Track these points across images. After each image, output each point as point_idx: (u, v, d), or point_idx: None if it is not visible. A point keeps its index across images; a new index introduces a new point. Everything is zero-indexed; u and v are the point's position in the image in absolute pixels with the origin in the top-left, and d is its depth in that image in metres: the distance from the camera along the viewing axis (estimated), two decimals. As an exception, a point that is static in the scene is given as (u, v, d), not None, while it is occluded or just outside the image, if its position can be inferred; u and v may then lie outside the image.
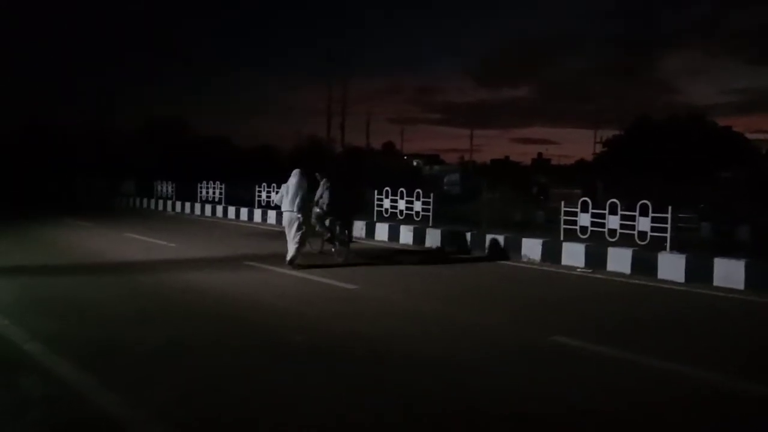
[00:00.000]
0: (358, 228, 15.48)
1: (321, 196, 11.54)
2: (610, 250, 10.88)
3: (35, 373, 4.93)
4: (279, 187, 11.66)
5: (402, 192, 15.22)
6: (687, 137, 37.75)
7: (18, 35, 74.98)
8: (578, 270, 10.91)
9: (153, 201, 26.26)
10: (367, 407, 4.42)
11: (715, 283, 9.48)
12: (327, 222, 11.57)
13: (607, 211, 11.31)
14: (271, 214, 19.35)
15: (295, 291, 8.76)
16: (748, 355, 6.14)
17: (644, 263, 10.32)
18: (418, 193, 14.91)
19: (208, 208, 22.98)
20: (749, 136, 45.08)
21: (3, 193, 28.42)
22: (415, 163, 66.97)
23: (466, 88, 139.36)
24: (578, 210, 11.80)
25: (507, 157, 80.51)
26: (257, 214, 20.44)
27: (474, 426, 4.18)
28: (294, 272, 10.10)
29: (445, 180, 38.78)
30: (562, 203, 12.55)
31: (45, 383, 4.70)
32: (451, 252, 13.21)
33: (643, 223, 10.67)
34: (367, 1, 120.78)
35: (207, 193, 23.38)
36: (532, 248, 12.00)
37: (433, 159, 75.55)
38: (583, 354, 5.86)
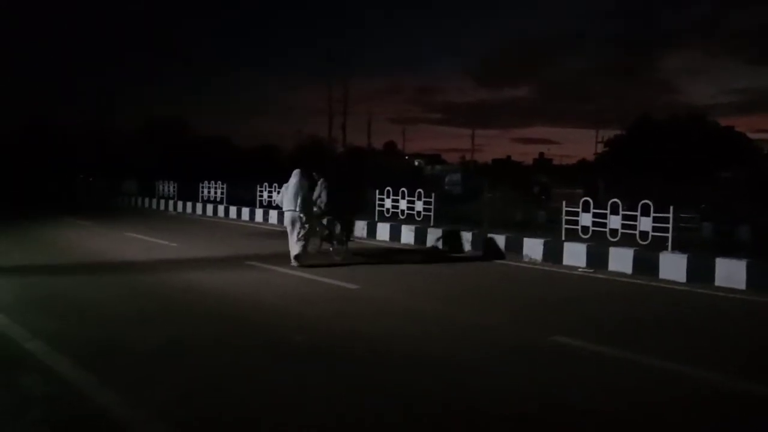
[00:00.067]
0: (360, 228, 15.50)
1: (318, 196, 11.63)
2: (612, 250, 10.87)
3: (36, 371, 4.94)
4: (280, 187, 11.73)
5: (403, 192, 15.21)
6: (687, 137, 37.73)
7: (18, 35, 75.15)
8: (580, 270, 10.90)
9: (154, 201, 26.31)
10: (368, 407, 4.42)
11: (717, 283, 9.48)
12: (325, 221, 11.64)
13: (608, 211, 11.30)
14: (273, 214, 19.37)
15: (296, 291, 8.76)
16: (749, 355, 6.13)
17: (646, 263, 10.32)
18: (419, 193, 14.92)
19: (209, 207, 23.00)
20: (751, 136, 45.16)
21: (3, 193, 28.46)
22: (416, 163, 66.99)
23: (467, 88, 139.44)
24: (580, 210, 11.80)
25: (508, 157, 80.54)
26: (258, 213, 20.45)
27: (474, 426, 4.17)
28: (295, 272, 10.11)
29: (446, 180, 38.73)
30: (564, 203, 12.55)
31: (45, 382, 4.70)
32: (446, 251, 13.23)
33: (645, 223, 10.66)
34: (367, 1, 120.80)
35: (208, 192, 23.41)
36: (533, 248, 11.99)
37: (434, 159, 75.58)
38: (583, 354, 5.86)
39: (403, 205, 15.16)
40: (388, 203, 15.66)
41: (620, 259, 10.67)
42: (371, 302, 8.10)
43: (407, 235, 14.52)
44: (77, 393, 4.52)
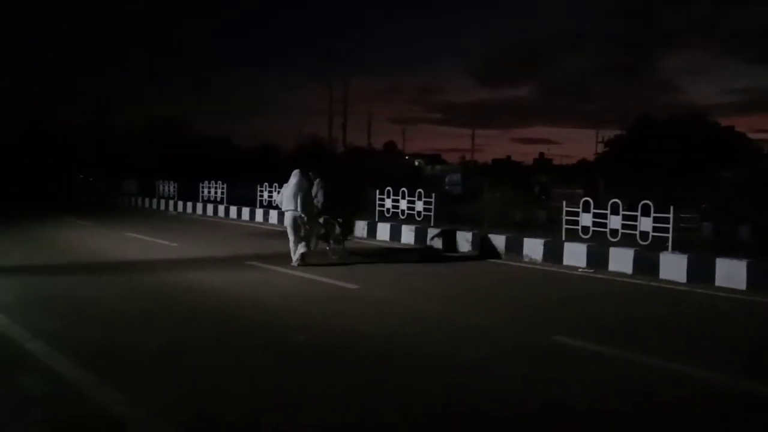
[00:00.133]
0: (360, 228, 15.50)
1: (315, 196, 11.68)
2: (612, 250, 10.87)
3: (36, 371, 4.93)
4: (280, 187, 11.76)
5: (404, 192, 15.21)
6: (687, 137, 37.72)
7: (18, 35, 75.13)
8: (580, 270, 10.90)
9: (155, 200, 26.31)
10: (368, 407, 4.42)
11: (717, 283, 9.47)
12: (321, 220, 11.69)
13: (608, 211, 11.29)
14: (273, 214, 19.36)
15: (296, 291, 8.76)
16: (749, 355, 6.12)
17: (646, 263, 10.31)
18: (419, 193, 14.91)
19: (209, 207, 23.00)
20: (751, 136, 45.14)
21: (3, 193, 28.45)
22: (416, 163, 66.94)
23: (467, 87, 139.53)
24: (580, 210, 11.79)
25: (508, 157, 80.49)
26: (259, 213, 20.45)
27: (474, 426, 4.17)
28: (296, 272, 10.11)
29: (446, 180, 38.74)
30: (564, 203, 12.55)
31: (46, 382, 4.70)
32: (443, 250, 13.25)
33: (645, 223, 10.65)
34: (367, 1, 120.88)
35: (209, 192, 23.41)
36: (533, 248, 11.99)
37: (434, 159, 75.53)
38: (584, 354, 5.85)
39: (403, 205, 15.16)
40: (388, 203, 15.66)
41: (620, 259, 10.67)
42: (371, 302, 8.10)
43: (407, 235, 14.52)
44: (77, 393, 4.52)
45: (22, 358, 5.31)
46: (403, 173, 39.66)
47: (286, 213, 10.94)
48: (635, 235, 10.77)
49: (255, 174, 24.19)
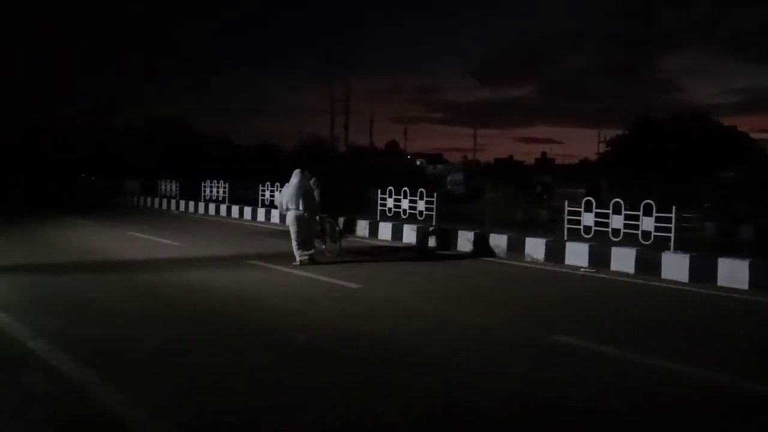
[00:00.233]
0: (362, 227, 15.50)
1: None
2: (614, 250, 10.85)
3: (38, 370, 4.94)
4: (282, 186, 11.82)
5: (405, 191, 15.21)
6: (688, 137, 37.68)
7: (18, 35, 75.14)
8: (582, 270, 10.89)
9: (157, 200, 26.34)
10: (368, 407, 4.41)
11: (719, 283, 9.45)
12: (317, 218, 11.74)
13: (610, 211, 11.27)
14: (275, 214, 19.35)
15: (297, 290, 8.75)
16: (751, 355, 6.11)
17: (648, 263, 10.30)
18: (421, 192, 14.91)
19: (211, 207, 23.01)
20: (753, 136, 45.04)
21: (3, 192, 28.46)
22: (418, 163, 66.85)
23: (468, 87, 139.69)
24: (582, 209, 11.78)
25: (510, 157, 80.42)
26: (260, 213, 20.46)
27: (474, 426, 4.16)
28: (297, 271, 10.11)
29: (448, 179, 38.69)
30: (566, 203, 12.55)
31: (47, 380, 4.71)
32: (440, 249, 13.27)
33: (647, 223, 10.63)
34: (367, 1, 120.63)
35: (210, 192, 23.43)
36: (535, 247, 11.98)
37: (436, 158, 75.42)
38: (585, 354, 5.84)
39: (405, 204, 15.15)
40: (390, 203, 15.64)
41: (622, 259, 10.66)
42: (372, 301, 8.09)
43: (409, 234, 14.51)
44: (79, 392, 4.52)
45: (24, 356, 5.32)
46: (405, 173, 39.60)
47: (288, 213, 10.96)
48: (637, 234, 10.75)
49: (255, 174, 24.20)
